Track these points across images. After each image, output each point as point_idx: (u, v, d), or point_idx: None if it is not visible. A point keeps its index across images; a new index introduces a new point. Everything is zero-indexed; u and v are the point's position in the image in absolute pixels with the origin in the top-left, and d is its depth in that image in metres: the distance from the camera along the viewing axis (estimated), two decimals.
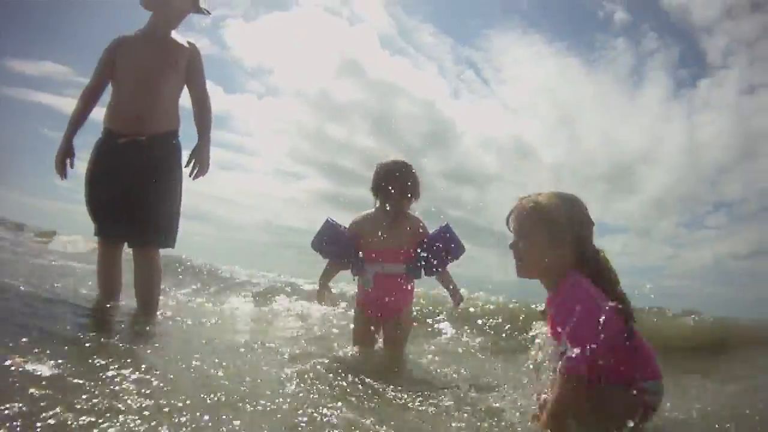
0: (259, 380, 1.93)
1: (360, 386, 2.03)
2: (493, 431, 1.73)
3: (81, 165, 3.15)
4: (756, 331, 5.04)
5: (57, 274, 4.85)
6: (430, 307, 4.50)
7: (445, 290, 3.11)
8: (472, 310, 4.40)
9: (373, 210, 3.06)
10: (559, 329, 1.70)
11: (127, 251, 3.14)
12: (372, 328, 2.98)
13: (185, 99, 3.20)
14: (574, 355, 1.57)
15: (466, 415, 1.85)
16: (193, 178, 3.12)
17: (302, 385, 1.95)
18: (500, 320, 3.78)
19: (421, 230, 3.00)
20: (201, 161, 3.11)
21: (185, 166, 3.10)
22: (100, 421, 1.28)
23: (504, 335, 3.51)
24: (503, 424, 1.79)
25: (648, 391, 1.68)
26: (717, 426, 1.98)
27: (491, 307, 4.45)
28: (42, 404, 1.31)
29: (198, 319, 3.50)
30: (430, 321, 4.27)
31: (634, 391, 1.65)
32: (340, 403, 1.72)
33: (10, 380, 1.46)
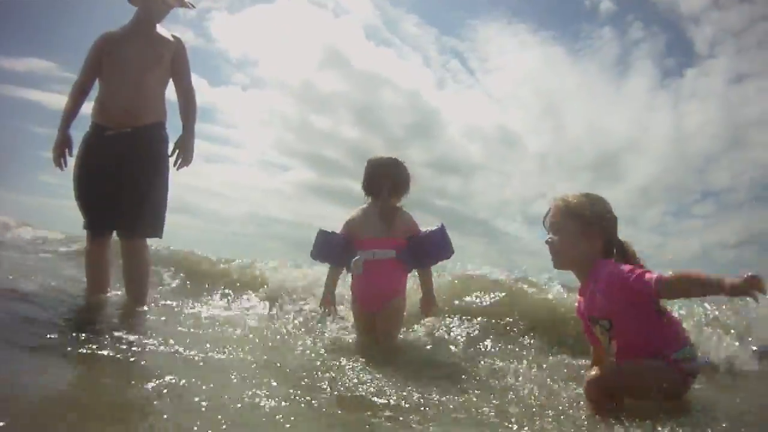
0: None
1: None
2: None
3: (69, 160, 3.16)
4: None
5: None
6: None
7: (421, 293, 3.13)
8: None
9: (365, 206, 3.12)
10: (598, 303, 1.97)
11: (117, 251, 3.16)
12: (368, 322, 2.99)
13: (172, 92, 3.24)
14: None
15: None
16: (177, 168, 3.17)
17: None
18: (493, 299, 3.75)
19: (412, 224, 3.05)
20: (185, 151, 3.16)
21: (170, 155, 3.15)
22: None
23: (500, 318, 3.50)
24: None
25: (680, 360, 1.87)
26: None
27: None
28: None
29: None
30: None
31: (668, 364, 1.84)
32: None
33: None
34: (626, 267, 1.90)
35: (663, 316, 1.94)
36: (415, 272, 3.13)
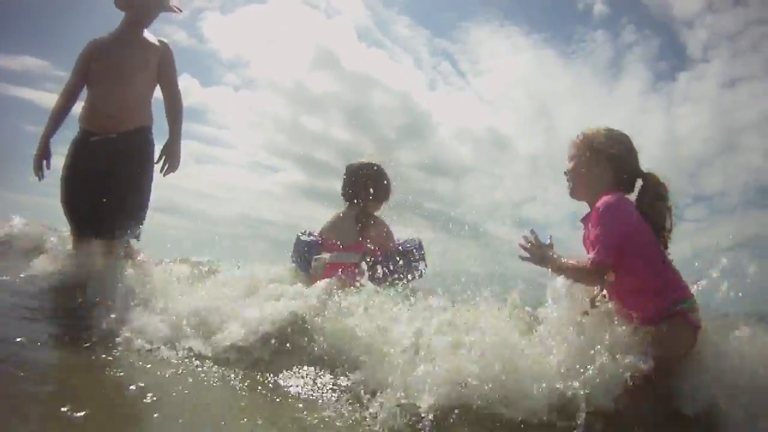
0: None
1: None
2: None
3: (59, 160, 3.19)
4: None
5: None
6: None
7: None
8: None
9: (343, 210, 3.09)
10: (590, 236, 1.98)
11: None
12: None
13: (159, 95, 3.25)
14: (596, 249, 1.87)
15: None
16: (164, 174, 3.18)
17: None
18: None
19: (385, 234, 3.00)
20: (171, 157, 3.17)
21: (156, 162, 3.16)
22: None
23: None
24: None
25: (687, 310, 1.90)
26: None
27: None
28: None
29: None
30: None
31: (680, 317, 1.87)
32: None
33: None
34: (594, 231, 1.93)
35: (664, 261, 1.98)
36: None
